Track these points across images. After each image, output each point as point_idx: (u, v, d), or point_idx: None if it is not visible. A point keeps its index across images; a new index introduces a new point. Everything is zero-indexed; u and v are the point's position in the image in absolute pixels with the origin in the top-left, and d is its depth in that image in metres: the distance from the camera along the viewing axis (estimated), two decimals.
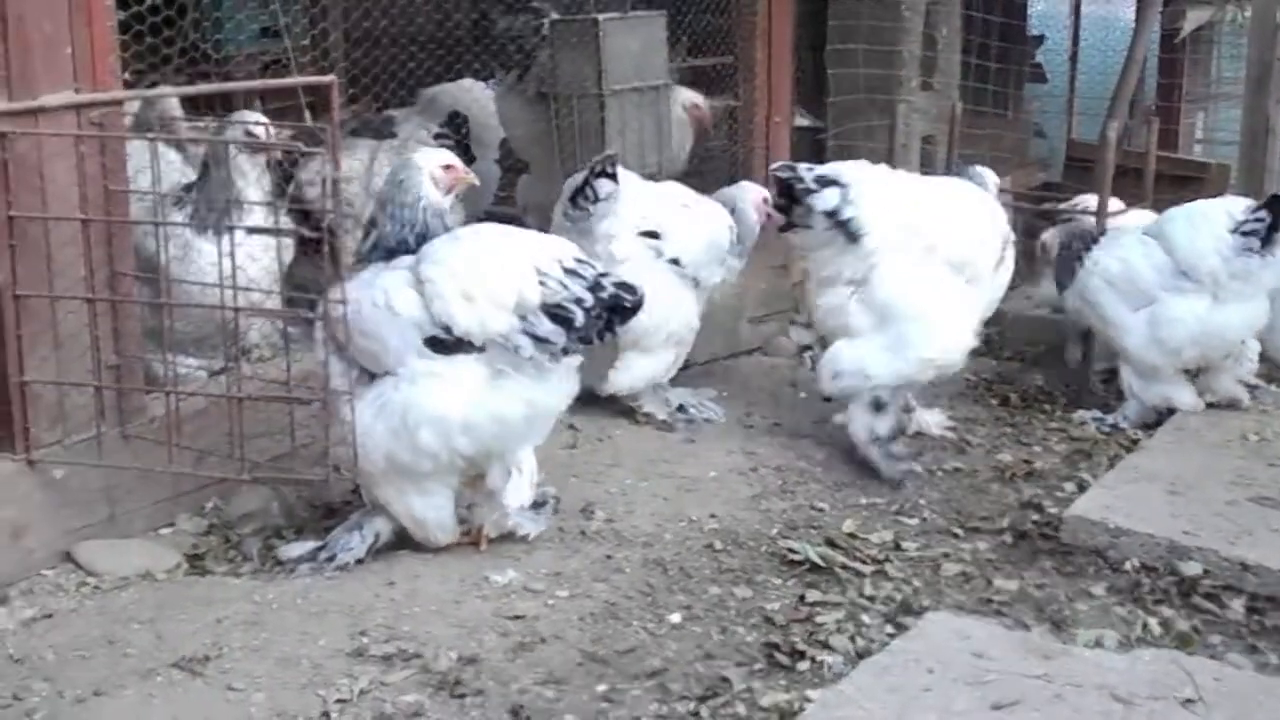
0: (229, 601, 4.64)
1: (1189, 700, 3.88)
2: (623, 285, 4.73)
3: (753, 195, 6.90)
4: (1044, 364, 7.65)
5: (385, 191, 5.11)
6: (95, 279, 4.89)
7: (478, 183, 5.50)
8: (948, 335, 6.09)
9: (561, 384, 4.90)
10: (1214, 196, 7.73)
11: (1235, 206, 6.55)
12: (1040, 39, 12.62)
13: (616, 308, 4.71)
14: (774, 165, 6.30)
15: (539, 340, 4.64)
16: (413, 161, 5.12)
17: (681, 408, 6.67)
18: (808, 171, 6.01)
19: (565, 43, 7.13)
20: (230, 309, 4.94)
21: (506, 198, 8.44)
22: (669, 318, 6.52)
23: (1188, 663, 4.13)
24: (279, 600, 4.65)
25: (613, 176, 6.40)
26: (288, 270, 5.90)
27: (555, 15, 7.41)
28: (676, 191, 6.87)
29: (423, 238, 4.95)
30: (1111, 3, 13.40)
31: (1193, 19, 11.15)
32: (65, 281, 4.82)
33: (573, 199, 6.47)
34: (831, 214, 5.95)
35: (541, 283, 4.65)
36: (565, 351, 4.71)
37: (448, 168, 5.15)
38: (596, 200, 6.39)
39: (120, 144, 5.00)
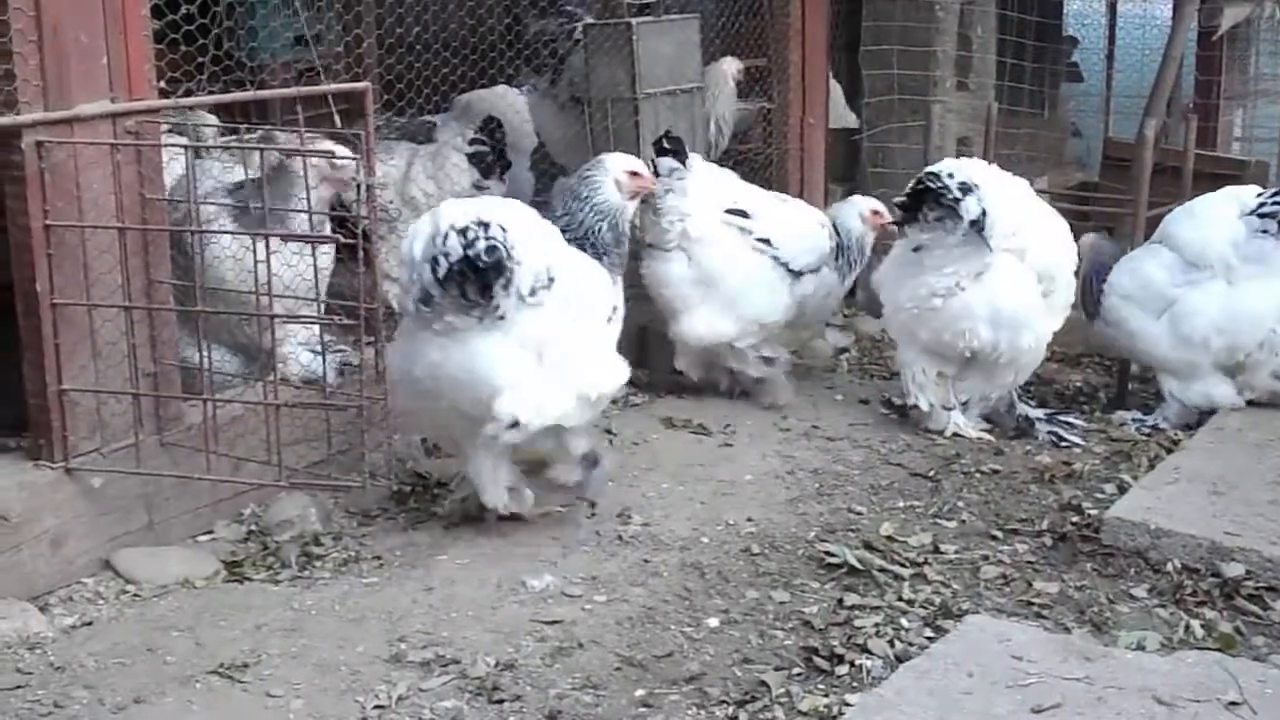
0: (267, 608, 4.66)
1: (1233, 703, 3.83)
2: (490, 248, 4.71)
3: (862, 207, 7.10)
4: (1082, 364, 7.60)
5: (570, 185, 5.58)
6: (132, 287, 4.92)
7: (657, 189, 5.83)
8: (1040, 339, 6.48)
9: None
10: None
11: (1243, 193, 6.54)
12: (1075, 40, 12.56)
13: (473, 264, 4.69)
14: (922, 172, 6.36)
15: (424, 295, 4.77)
16: (602, 163, 5.61)
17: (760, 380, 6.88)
18: (950, 178, 6.18)
19: (599, 47, 7.12)
20: (266, 315, 4.96)
21: (542, 204, 8.42)
22: (746, 288, 6.71)
23: (1231, 665, 4.09)
24: (317, 607, 4.67)
25: (675, 154, 6.56)
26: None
27: (588, 19, 7.42)
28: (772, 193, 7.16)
29: (590, 234, 5.43)
30: (1148, 1, 13.33)
31: (1230, 16, 11.06)
32: (102, 290, 4.84)
33: None
34: (975, 221, 6.15)
35: (432, 239, 4.75)
36: (462, 309, 4.79)
37: (633, 174, 5.58)
38: (658, 177, 6.48)
39: (156, 152, 5.01)
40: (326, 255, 5.46)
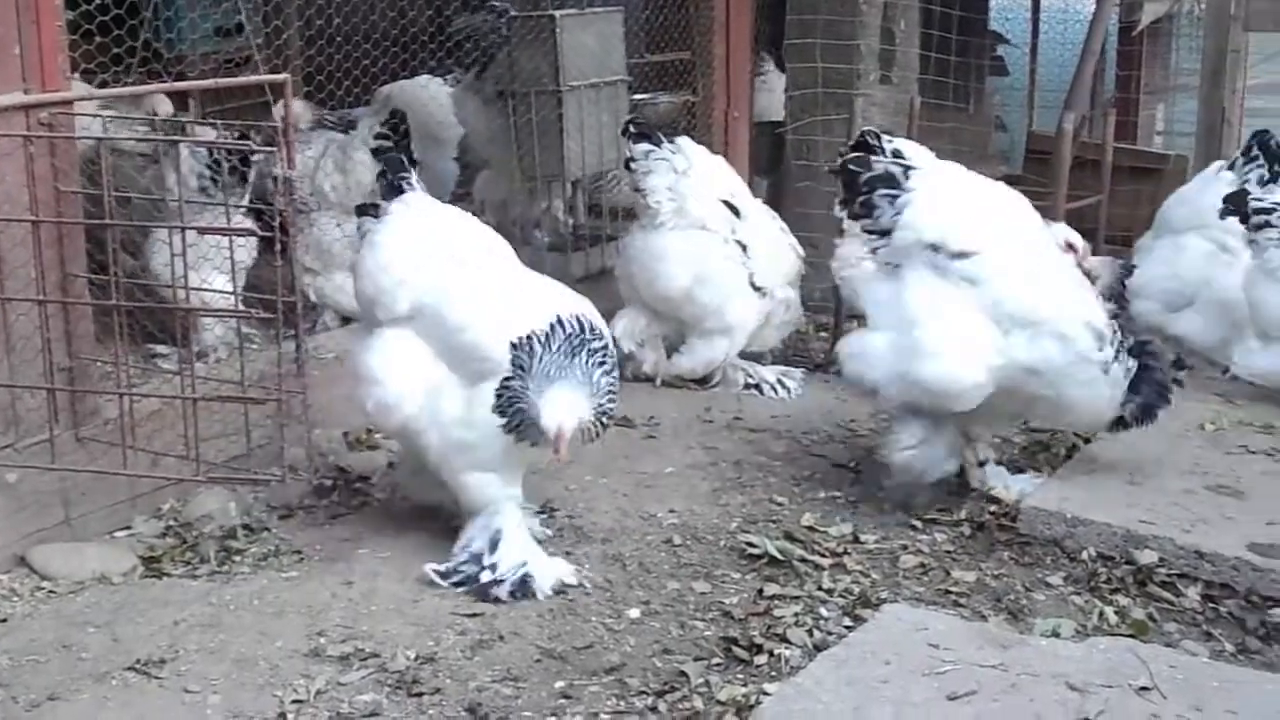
0: (186, 603, 4.62)
1: (1144, 688, 3.88)
2: None
3: None
4: None
5: None
6: (46, 281, 4.86)
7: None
8: None
9: None
10: (1174, 188, 7.87)
11: None
12: (1001, 36, 12.64)
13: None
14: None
15: None
16: None
17: (758, 387, 7.01)
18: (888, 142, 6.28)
19: (522, 39, 7.13)
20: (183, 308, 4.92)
21: (465, 195, 8.41)
22: (721, 298, 6.85)
23: (1143, 651, 4.14)
24: (236, 601, 4.63)
25: (644, 138, 6.64)
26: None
27: (514, 13, 7.41)
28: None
29: None
30: None
31: (1150, 11, 11.20)
32: (16, 284, 4.79)
33: (626, 164, 6.80)
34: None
35: None
36: None
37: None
38: (633, 159, 6.65)
39: (70, 144, 4.96)
40: (245, 249, 5.43)
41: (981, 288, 5.27)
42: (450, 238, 5.07)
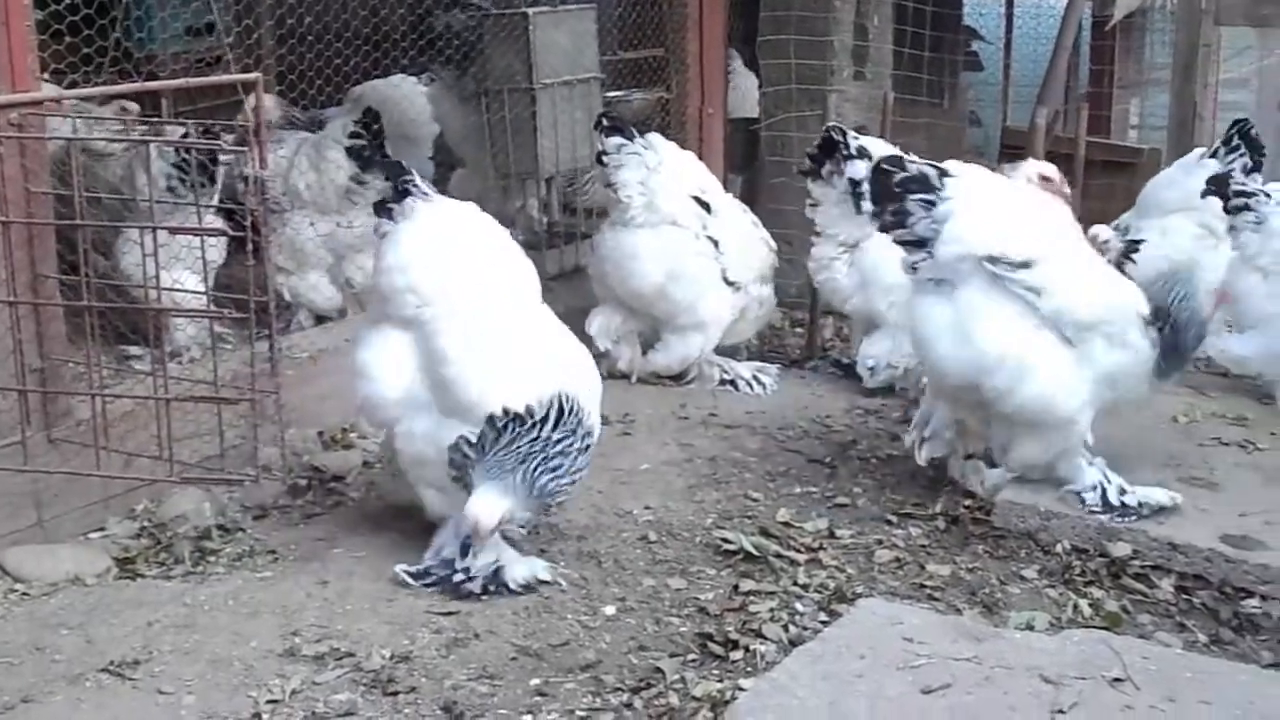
0: (160, 604, 4.60)
1: (1117, 679, 3.89)
2: None
3: None
4: None
5: None
6: (17, 282, 4.84)
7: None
8: None
9: None
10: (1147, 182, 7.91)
11: None
12: (974, 32, 12.68)
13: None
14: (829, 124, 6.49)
15: None
16: None
17: (734, 383, 7.03)
18: (853, 139, 6.46)
19: (496, 37, 7.13)
20: (155, 309, 4.91)
21: (440, 194, 8.39)
22: (695, 294, 6.87)
23: (1116, 642, 4.15)
24: (211, 602, 4.62)
25: (617, 131, 6.70)
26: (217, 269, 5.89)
27: (494, 12, 7.43)
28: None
29: None
30: None
31: (1123, 5, 11.23)
32: None
33: (598, 159, 6.83)
34: (856, 182, 6.46)
35: None
36: None
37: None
38: (605, 153, 6.70)
39: (41, 145, 4.94)
40: (216, 248, 5.42)
41: (1046, 297, 5.05)
42: (473, 249, 4.98)
